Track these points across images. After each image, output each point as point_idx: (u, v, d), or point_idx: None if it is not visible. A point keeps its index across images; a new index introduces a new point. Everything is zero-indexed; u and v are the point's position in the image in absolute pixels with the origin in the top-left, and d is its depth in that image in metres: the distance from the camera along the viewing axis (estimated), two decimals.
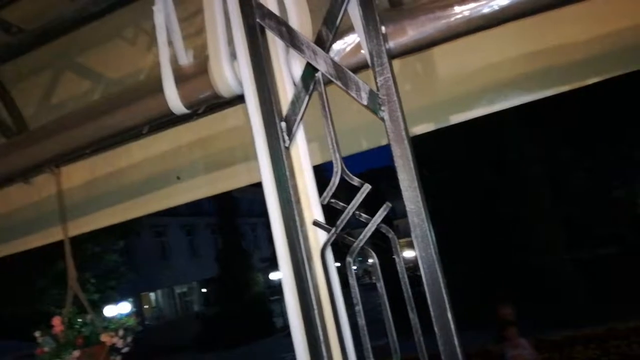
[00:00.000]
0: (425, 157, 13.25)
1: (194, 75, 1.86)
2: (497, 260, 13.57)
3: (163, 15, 1.84)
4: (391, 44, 1.52)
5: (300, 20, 1.66)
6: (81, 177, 3.22)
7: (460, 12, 1.42)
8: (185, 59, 1.91)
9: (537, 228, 13.96)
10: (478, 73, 2.30)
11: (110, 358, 2.75)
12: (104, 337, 2.73)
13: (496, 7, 1.37)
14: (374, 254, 1.60)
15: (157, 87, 1.85)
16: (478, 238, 14.14)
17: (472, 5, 1.39)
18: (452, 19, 1.43)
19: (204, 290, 28.55)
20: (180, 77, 1.86)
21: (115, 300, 21.30)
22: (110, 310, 21.25)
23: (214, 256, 23.48)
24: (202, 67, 1.82)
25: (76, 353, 2.62)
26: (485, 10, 1.38)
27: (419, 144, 1.63)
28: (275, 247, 1.61)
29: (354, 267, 1.62)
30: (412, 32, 1.49)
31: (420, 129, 2.54)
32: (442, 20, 1.44)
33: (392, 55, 1.51)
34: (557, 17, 1.81)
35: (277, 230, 1.62)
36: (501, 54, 2.24)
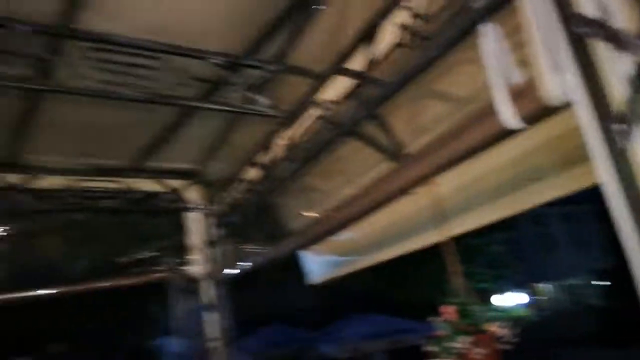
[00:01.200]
0: None
1: (523, 92, 2.01)
2: None
3: (491, 46, 2.07)
4: None
5: (624, 15, 1.60)
6: (451, 185, 3.67)
7: None
8: (515, 78, 2.08)
9: None
10: None
11: (498, 347, 2.82)
12: (491, 327, 2.85)
13: None
14: None
15: (491, 110, 2.09)
16: None
17: None
18: None
19: (593, 282, 26.00)
20: (512, 96, 2.05)
21: (501, 291, 21.83)
22: (498, 300, 21.90)
23: (599, 246, 21.14)
24: (529, 83, 1.95)
25: (468, 339, 2.80)
26: None
27: None
28: (626, 249, 1.59)
29: None
30: None
31: None
32: None
33: None
34: None
35: (626, 231, 1.60)
36: None
